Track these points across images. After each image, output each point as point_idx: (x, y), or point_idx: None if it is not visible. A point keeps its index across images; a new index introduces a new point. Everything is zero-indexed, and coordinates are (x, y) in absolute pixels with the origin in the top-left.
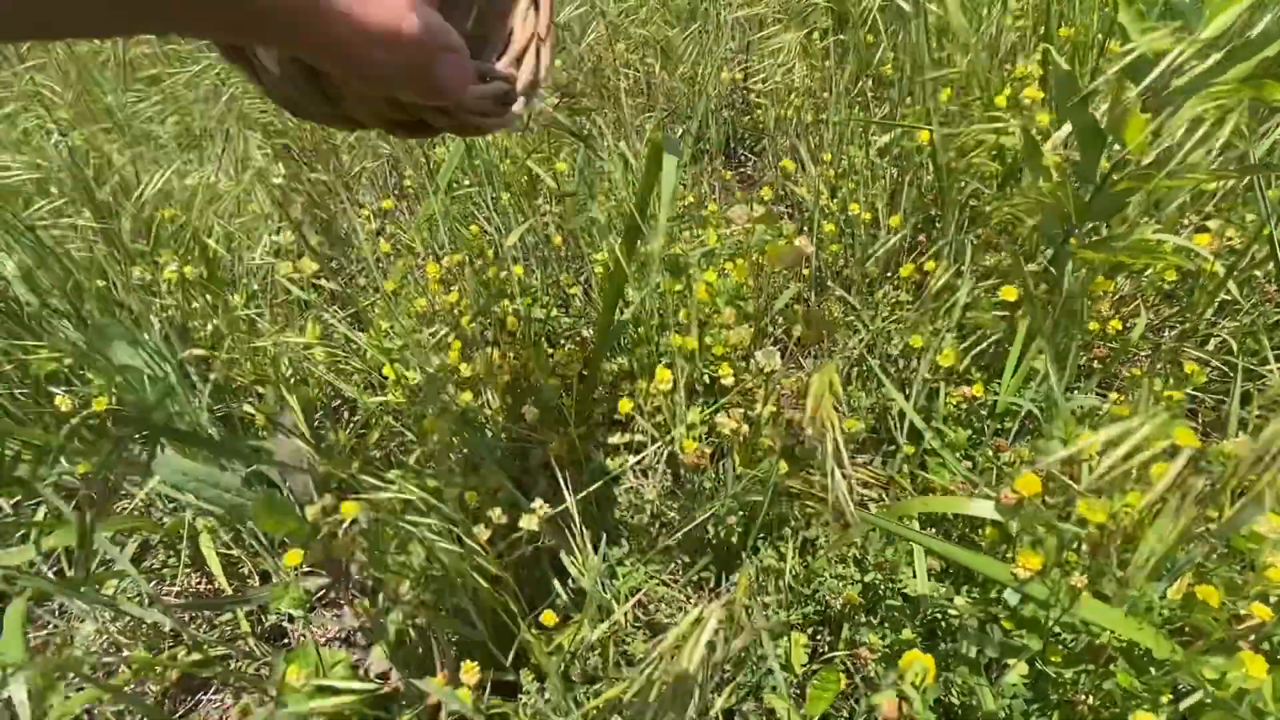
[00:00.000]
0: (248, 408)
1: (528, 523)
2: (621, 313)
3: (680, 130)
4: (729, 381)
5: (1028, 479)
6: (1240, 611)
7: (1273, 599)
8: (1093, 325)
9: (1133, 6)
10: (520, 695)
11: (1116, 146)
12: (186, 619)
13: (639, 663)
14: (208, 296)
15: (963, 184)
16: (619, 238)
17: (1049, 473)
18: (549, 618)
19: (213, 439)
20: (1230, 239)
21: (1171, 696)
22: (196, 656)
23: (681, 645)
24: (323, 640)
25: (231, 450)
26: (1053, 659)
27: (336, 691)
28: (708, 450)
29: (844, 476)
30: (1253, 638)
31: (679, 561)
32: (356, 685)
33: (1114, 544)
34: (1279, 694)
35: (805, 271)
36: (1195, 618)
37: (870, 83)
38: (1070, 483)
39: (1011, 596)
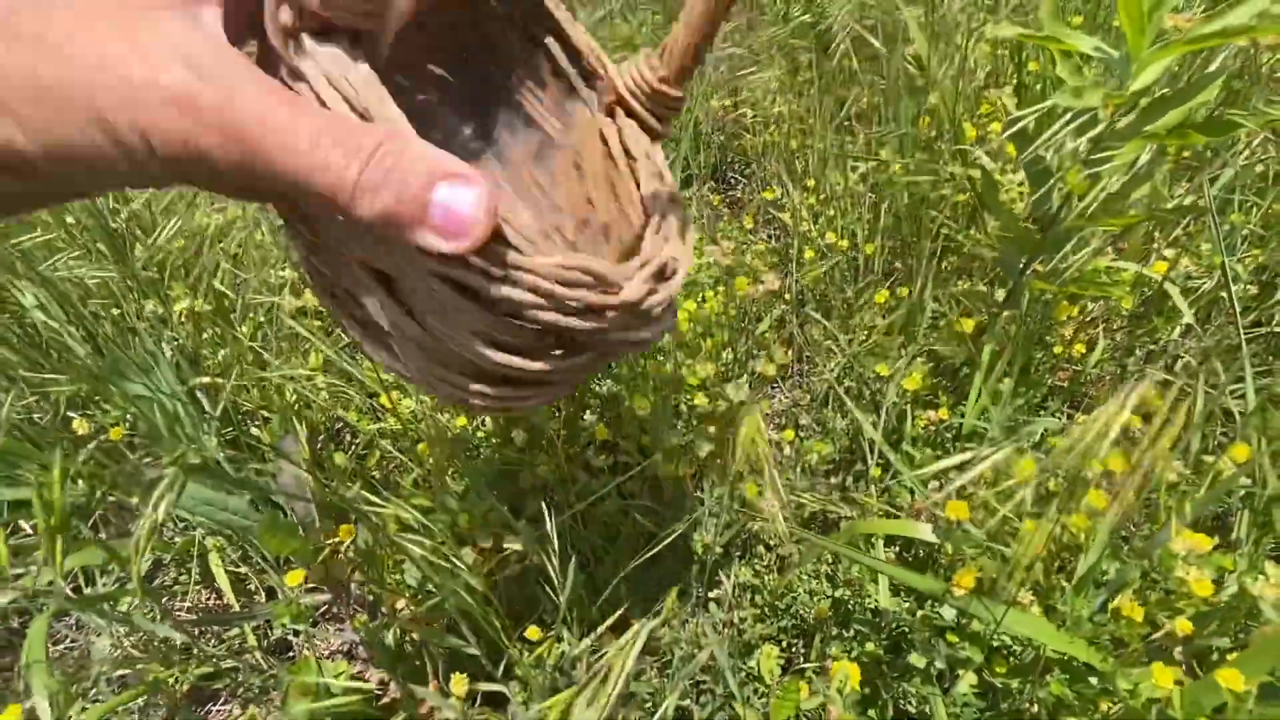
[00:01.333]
0: (254, 431)
1: (514, 544)
2: None
3: (670, 157)
4: (706, 410)
5: (956, 505)
6: (1166, 626)
7: (1191, 611)
8: (1057, 349)
9: (1070, 61)
10: (509, 706)
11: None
12: (197, 633)
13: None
14: (217, 328)
15: (934, 214)
16: None
17: (984, 498)
18: (533, 633)
19: (224, 471)
20: (1186, 266)
21: (1111, 704)
22: (207, 669)
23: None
24: (325, 653)
25: (239, 482)
26: (998, 669)
27: (335, 693)
28: (689, 471)
29: (783, 504)
30: (1179, 650)
31: (660, 576)
32: (356, 685)
33: (1053, 561)
34: (1188, 703)
35: (787, 297)
36: (1121, 631)
37: (853, 109)
38: (998, 506)
39: (948, 612)
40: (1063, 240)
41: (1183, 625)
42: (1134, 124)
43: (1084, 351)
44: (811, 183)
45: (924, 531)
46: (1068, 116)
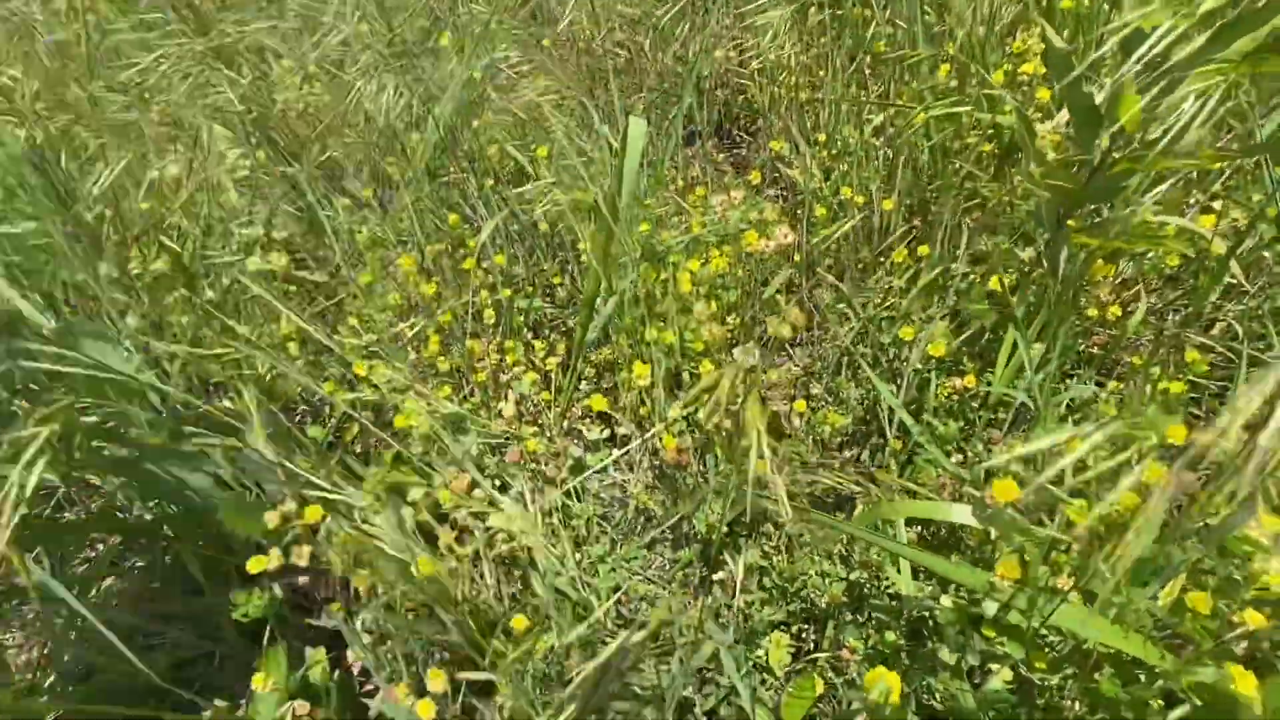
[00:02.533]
0: (228, 403)
1: (498, 521)
2: (604, 304)
3: (672, 112)
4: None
5: (1005, 485)
6: (1233, 618)
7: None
8: (1091, 311)
9: None
10: (494, 697)
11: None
12: (166, 619)
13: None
14: (181, 291)
15: (958, 166)
16: (599, 221)
17: (1028, 476)
18: (519, 623)
19: (182, 451)
20: (1236, 220)
21: (1163, 704)
22: (182, 656)
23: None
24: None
25: (200, 459)
26: (1038, 665)
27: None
28: (691, 445)
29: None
30: (1244, 645)
31: (663, 559)
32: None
33: (1103, 546)
34: (1269, 705)
35: (796, 258)
36: (1185, 626)
37: (867, 59)
38: (1050, 487)
39: (990, 607)
40: (1110, 188)
41: (1254, 618)
42: (1201, 50)
43: (1119, 315)
44: (822, 137)
45: (962, 515)
46: (1151, 37)
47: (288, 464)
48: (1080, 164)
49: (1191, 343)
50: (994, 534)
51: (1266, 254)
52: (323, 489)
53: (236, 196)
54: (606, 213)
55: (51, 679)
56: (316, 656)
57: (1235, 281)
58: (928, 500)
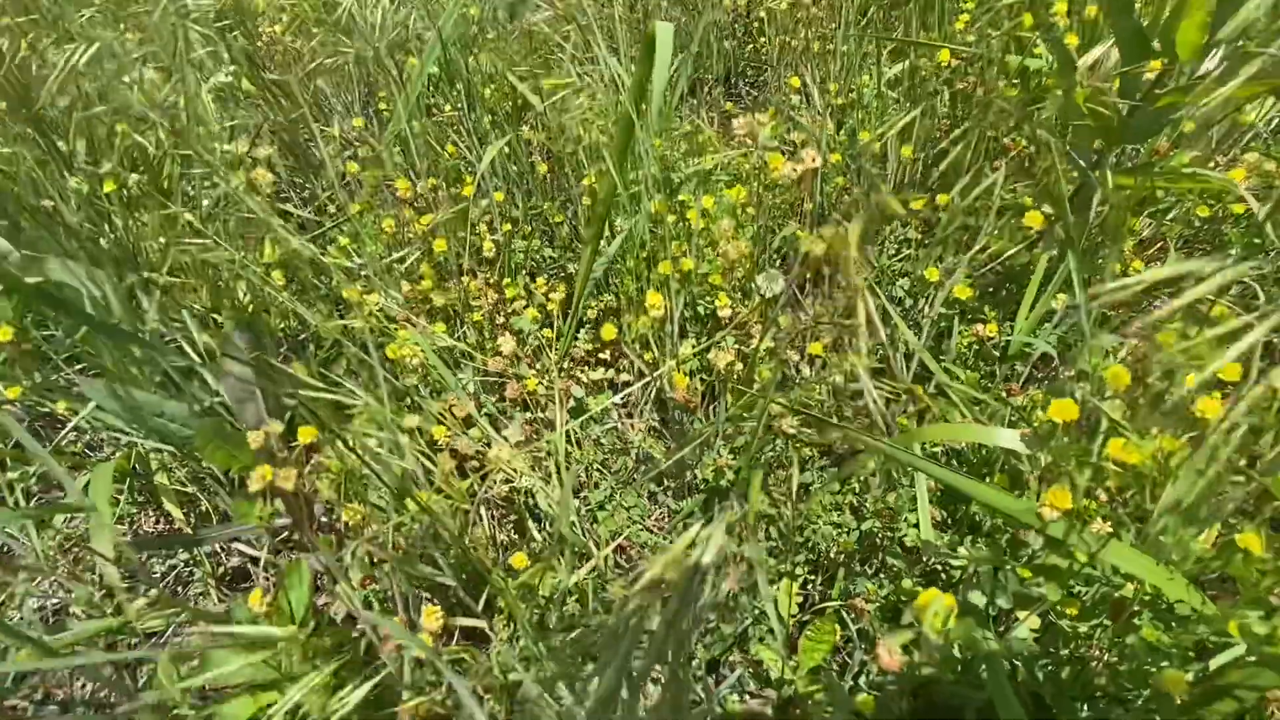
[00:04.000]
0: (208, 338)
1: (498, 453)
2: (609, 243)
3: (677, 60)
4: (726, 313)
5: (1063, 405)
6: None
7: None
8: (1115, 267)
9: None
10: (491, 644)
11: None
12: (143, 559)
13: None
14: (158, 212)
15: (985, 107)
16: (609, 150)
17: (1083, 397)
18: (519, 560)
19: (139, 336)
20: (1271, 173)
21: (1193, 655)
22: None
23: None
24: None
25: (157, 348)
26: (1069, 611)
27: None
28: (699, 388)
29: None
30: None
31: (665, 507)
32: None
33: (1145, 488)
34: None
35: (808, 206)
36: (1232, 569)
37: (881, 13)
38: (1106, 411)
39: (1034, 541)
40: (1154, 123)
41: None
42: None
43: (1142, 270)
44: (834, 86)
45: (1008, 439)
46: None
47: (273, 378)
48: (1123, 95)
49: (1210, 303)
50: (1041, 463)
51: None
52: (312, 411)
53: (216, 110)
54: (631, 108)
55: None
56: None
57: (1256, 242)
58: (976, 425)
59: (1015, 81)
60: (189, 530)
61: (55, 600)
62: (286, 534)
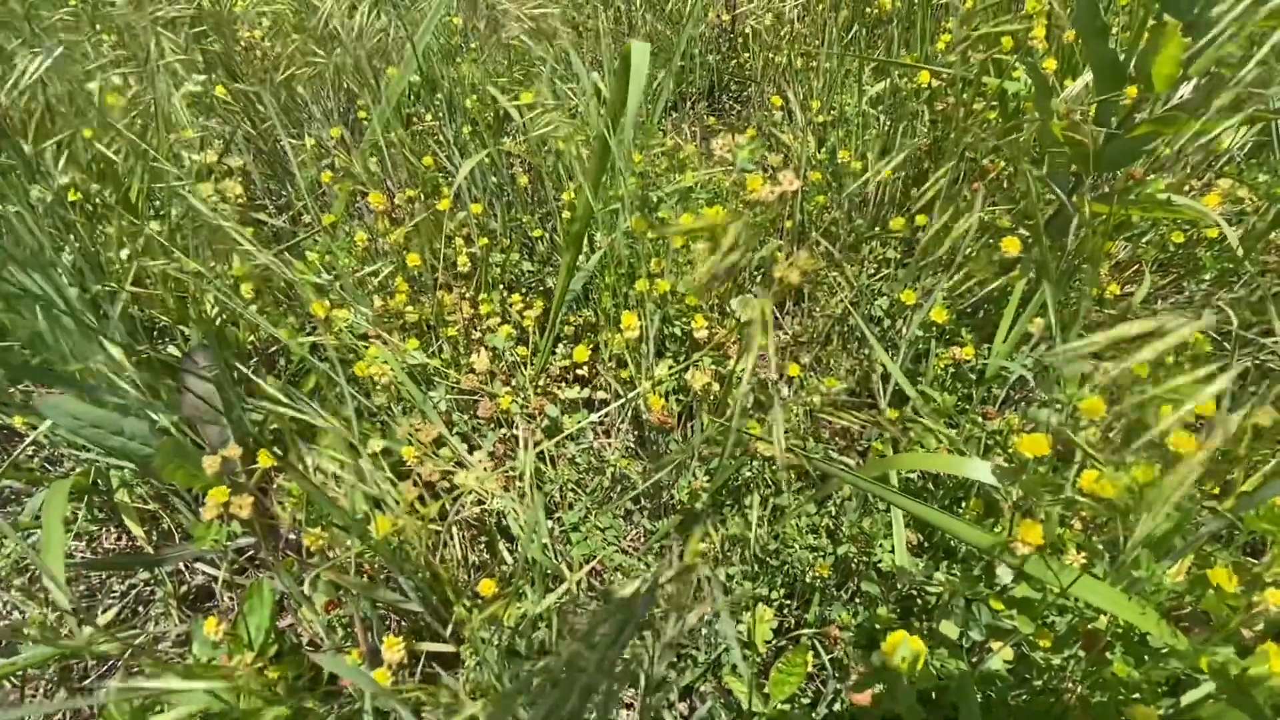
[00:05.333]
0: (172, 350)
1: (465, 479)
2: (587, 259)
3: (661, 73)
4: (702, 334)
5: (1034, 439)
6: (1251, 598)
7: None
8: (1092, 290)
9: None
10: (459, 670)
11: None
12: (101, 580)
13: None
14: (123, 223)
15: (963, 130)
16: (590, 161)
17: (1055, 432)
18: (486, 587)
19: (120, 389)
20: (1241, 200)
21: (1167, 689)
22: (111, 620)
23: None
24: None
25: (133, 400)
26: (1042, 643)
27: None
28: (675, 409)
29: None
30: (1259, 626)
31: (639, 528)
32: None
33: (1117, 521)
34: None
35: (788, 224)
36: (1205, 604)
37: (864, 31)
38: (1080, 444)
39: (1005, 574)
40: (1130, 151)
41: (1275, 599)
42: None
43: (1118, 294)
44: (816, 103)
45: (979, 471)
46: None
47: (235, 397)
48: (1099, 124)
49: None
50: (1012, 498)
51: (1259, 244)
52: (276, 433)
53: (188, 118)
54: (606, 128)
55: None
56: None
57: (1229, 267)
58: (949, 456)
59: (994, 103)
60: (150, 549)
61: (5, 622)
62: (252, 552)
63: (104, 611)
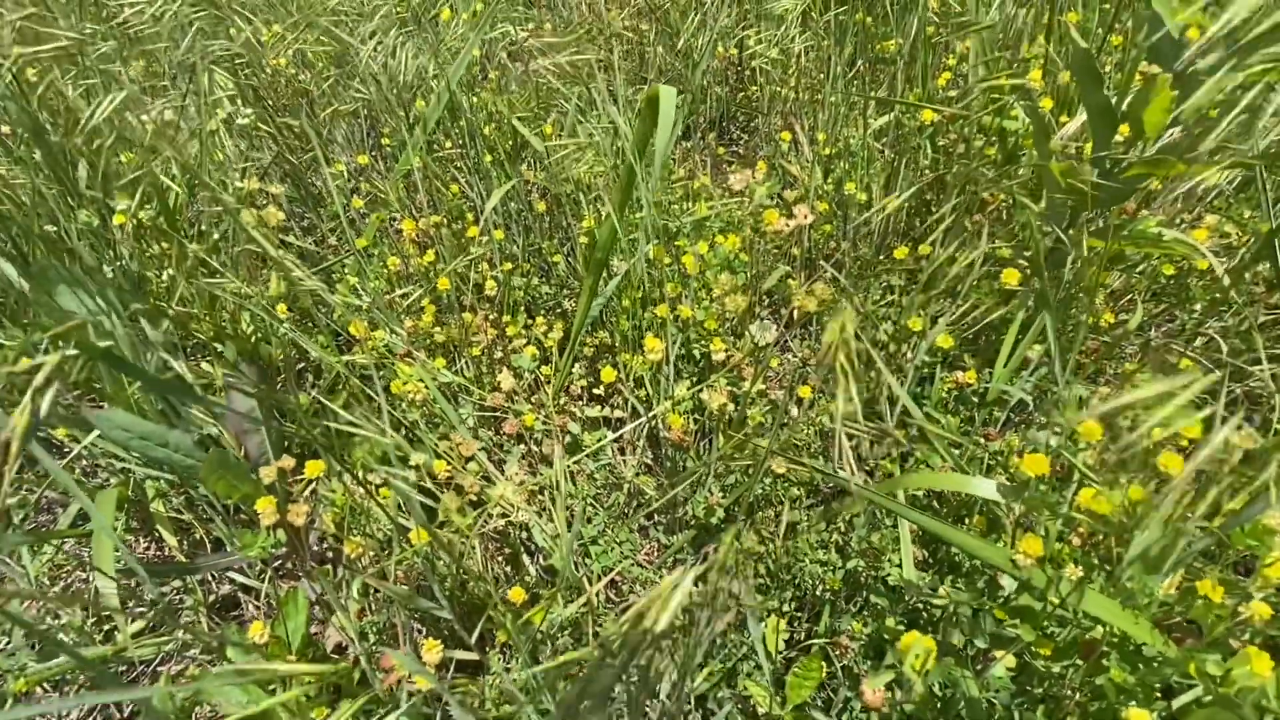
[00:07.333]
0: (205, 366)
1: (499, 491)
2: (606, 283)
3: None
4: (720, 357)
5: (1035, 459)
6: (1237, 609)
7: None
8: (1088, 318)
9: None
10: (485, 675)
11: (1121, 137)
12: (133, 586)
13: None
14: (164, 244)
15: (963, 165)
16: (609, 195)
17: (1053, 453)
18: (517, 594)
19: (153, 375)
20: (1228, 235)
21: (1160, 695)
22: (141, 626)
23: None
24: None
25: (177, 388)
26: (1042, 652)
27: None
28: (691, 427)
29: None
30: (1246, 635)
31: (656, 543)
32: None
33: (1112, 537)
34: None
35: (795, 251)
36: (1194, 613)
37: (868, 66)
38: (1080, 464)
39: (1009, 584)
40: (1124, 190)
41: (1260, 610)
42: (1229, 58)
43: (1112, 322)
44: (822, 136)
45: (985, 488)
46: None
47: (279, 413)
48: (1094, 165)
49: (1178, 354)
50: (1015, 513)
51: (1246, 275)
52: (320, 447)
53: (233, 147)
54: (634, 162)
55: None
56: (297, 629)
57: (1218, 297)
58: (955, 475)
59: (994, 140)
60: (182, 558)
61: (44, 626)
62: (279, 562)
63: (131, 621)
